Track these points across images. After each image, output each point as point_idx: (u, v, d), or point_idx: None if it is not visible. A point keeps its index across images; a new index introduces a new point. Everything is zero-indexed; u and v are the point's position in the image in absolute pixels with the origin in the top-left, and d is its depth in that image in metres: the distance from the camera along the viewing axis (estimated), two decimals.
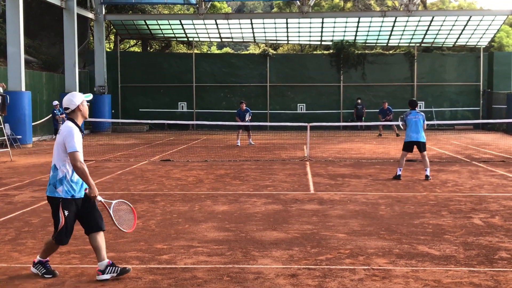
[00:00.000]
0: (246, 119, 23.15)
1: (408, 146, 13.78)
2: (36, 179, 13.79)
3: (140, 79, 34.98)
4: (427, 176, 13.38)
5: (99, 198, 6.09)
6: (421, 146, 13.60)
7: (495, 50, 37.38)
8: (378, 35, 36.25)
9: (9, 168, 16.06)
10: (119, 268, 6.12)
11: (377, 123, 27.46)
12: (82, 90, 30.19)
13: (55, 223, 6.12)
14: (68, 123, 6.05)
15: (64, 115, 21.93)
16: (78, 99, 6.13)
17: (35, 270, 6.23)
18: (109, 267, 6.08)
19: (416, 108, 13.89)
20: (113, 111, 33.98)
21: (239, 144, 22.85)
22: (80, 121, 6.14)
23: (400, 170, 13.57)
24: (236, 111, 24.29)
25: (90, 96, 6.36)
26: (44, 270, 6.20)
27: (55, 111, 22.40)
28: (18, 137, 22.55)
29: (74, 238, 7.82)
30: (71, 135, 5.92)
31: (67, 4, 28.01)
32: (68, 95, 6.18)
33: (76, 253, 7.11)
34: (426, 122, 13.75)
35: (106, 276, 6.04)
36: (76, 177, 6.00)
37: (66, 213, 6.01)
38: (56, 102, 23.24)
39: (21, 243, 7.63)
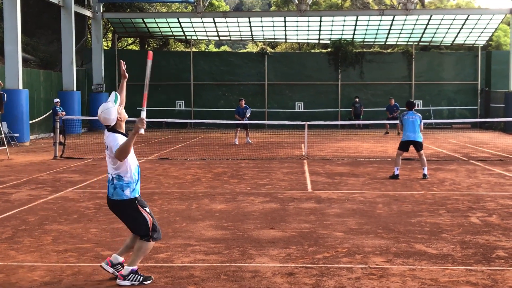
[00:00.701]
0: (247, 115, 23.14)
1: (404, 145, 13.79)
2: (33, 177, 13.77)
3: (138, 77, 34.56)
4: (424, 175, 13.39)
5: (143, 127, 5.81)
6: (418, 146, 13.61)
7: (493, 49, 37.40)
8: (376, 34, 36.23)
9: (6, 166, 16.03)
10: (142, 277, 5.96)
11: (383, 121, 27.50)
12: (80, 88, 30.12)
13: (139, 226, 5.96)
14: (111, 134, 5.90)
15: (64, 113, 21.88)
16: (113, 113, 5.92)
17: (128, 282, 5.86)
18: (132, 274, 5.91)
19: (413, 109, 13.90)
20: None
21: (237, 143, 22.83)
22: (123, 128, 6.05)
23: (397, 169, 13.56)
24: (235, 109, 24.27)
25: (118, 99, 6.09)
26: (142, 277, 5.93)
27: (56, 108, 22.35)
28: (16, 135, 22.51)
29: (71, 237, 7.83)
30: (115, 139, 5.80)
31: (64, 2, 27.94)
32: (103, 114, 5.89)
33: (73, 252, 7.09)
34: (423, 123, 13.77)
35: (126, 283, 5.88)
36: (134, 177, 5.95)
37: (146, 209, 6.02)
38: (57, 100, 23.20)
39: (18, 242, 7.61)
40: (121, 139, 5.79)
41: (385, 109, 29.54)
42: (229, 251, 7.10)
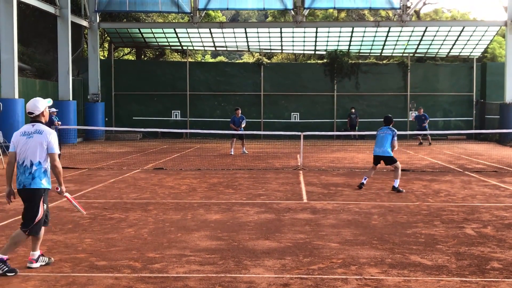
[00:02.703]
0: (242, 125, 23.17)
1: (374, 159, 13.88)
2: None
3: (134, 87, 34.96)
4: (394, 187, 13.16)
5: (66, 194, 6.98)
6: (387, 160, 13.59)
7: (488, 61, 37.58)
8: (372, 45, 36.39)
9: (1, 176, 15.98)
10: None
11: (416, 132, 27.92)
12: (76, 98, 30.13)
13: (31, 215, 6.67)
14: (44, 127, 6.81)
15: (60, 122, 21.87)
16: (42, 105, 6.92)
17: None
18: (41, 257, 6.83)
19: (391, 125, 13.78)
20: (106, 119, 33.90)
21: (232, 153, 22.81)
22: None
23: (364, 179, 13.71)
24: (230, 118, 24.29)
25: (51, 102, 7.21)
26: (7, 268, 6.48)
27: (52, 117, 22.34)
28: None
29: (66, 247, 7.81)
30: (55, 138, 6.75)
31: (61, 12, 27.99)
32: (33, 101, 6.95)
33: (68, 262, 7.07)
34: (396, 140, 13.51)
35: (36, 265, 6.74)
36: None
37: (45, 206, 6.78)
38: (53, 109, 23.18)
39: (12, 251, 7.57)
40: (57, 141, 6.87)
41: (414, 119, 29.98)
42: (224, 261, 7.09)
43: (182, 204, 11.32)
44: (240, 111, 23.61)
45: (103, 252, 7.55)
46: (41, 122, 6.88)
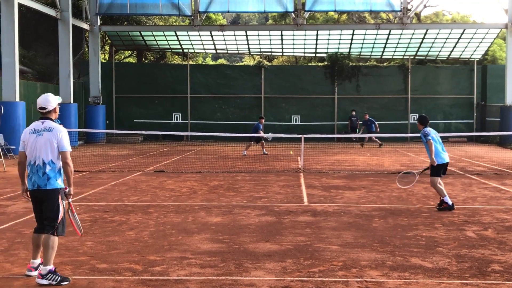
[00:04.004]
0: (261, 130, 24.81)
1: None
2: None
3: (135, 90, 34.98)
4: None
5: (70, 201, 6.71)
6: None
7: (488, 63, 37.57)
8: (373, 48, 36.40)
9: (2, 179, 16.00)
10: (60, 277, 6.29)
11: (379, 134, 28.04)
12: (76, 100, 30.15)
13: (54, 214, 6.40)
14: (55, 124, 6.60)
15: (61, 125, 21.88)
16: (54, 100, 6.69)
17: (46, 281, 6.17)
18: (51, 274, 6.25)
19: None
20: (107, 121, 33.92)
21: (245, 154, 23.52)
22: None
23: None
24: (254, 125, 25.16)
25: (60, 99, 6.96)
26: (60, 278, 6.24)
27: (54, 120, 22.49)
28: (12, 147, 22.46)
29: (67, 249, 7.81)
30: (66, 135, 6.52)
31: (62, 15, 28.04)
32: (45, 96, 6.68)
33: (69, 264, 7.08)
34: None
35: (44, 282, 6.22)
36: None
37: (64, 203, 6.52)
38: None
39: (13, 254, 7.60)
40: (68, 138, 6.61)
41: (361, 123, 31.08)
42: (224, 264, 7.09)
43: (183, 207, 11.33)
44: (264, 120, 25.74)
45: (104, 255, 7.55)
46: (51, 119, 6.64)
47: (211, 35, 35.19)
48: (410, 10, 32.48)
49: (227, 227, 9.32)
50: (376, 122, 29.49)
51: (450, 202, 10.98)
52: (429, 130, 11.63)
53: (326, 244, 8.19)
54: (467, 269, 6.89)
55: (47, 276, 6.16)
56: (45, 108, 6.63)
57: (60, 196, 6.46)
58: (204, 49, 38.44)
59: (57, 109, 6.75)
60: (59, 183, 6.47)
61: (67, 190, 6.56)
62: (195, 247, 7.99)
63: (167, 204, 11.66)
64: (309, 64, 39.72)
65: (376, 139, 28.81)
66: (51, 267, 6.27)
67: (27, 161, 6.53)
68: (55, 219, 6.42)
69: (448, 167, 11.79)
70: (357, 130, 32.42)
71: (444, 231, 9.09)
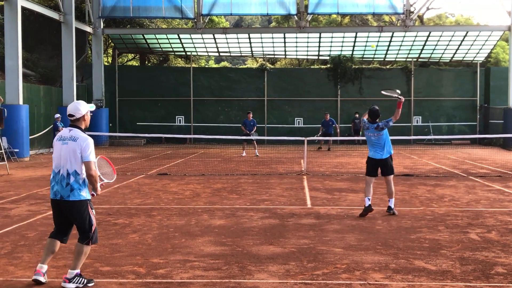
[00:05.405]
0: (253, 130, 23.83)
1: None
2: (33, 192, 13.76)
3: (138, 92, 35.04)
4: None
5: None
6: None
7: (491, 66, 37.53)
8: (375, 50, 36.38)
9: (5, 182, 16.03)
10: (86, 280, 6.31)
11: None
12: None
13: (87, 226, 6.28)
14: (81, 133, 6.34)
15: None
16: (84, 108, 6.44)
17: (73, 284, 6.19)
18: (77, 277, 6.25)
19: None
20: (110, 124, 33.96)
21: (244, 155, 23.55)
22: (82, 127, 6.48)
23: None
24: (235, 124, 24.79)
25: (93, 107, 6.68)
26: (85, 280, 6.29)
27: (57, 123, 22.47)
28: (15, 150, 22.51)
29: (70, 252, 7.80)
30: (90, 145, 6.28)
31: (65, 18, 28.09)
32: (75, 103, 6.46)
33: None
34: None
35: (72, 285, 6.20)
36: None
37: (94, 211, 6.41)
38: (58, 115, 23.27)
39: (17, 257, 7.61)
40: (93, 148, 6.33)
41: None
42: (228, 267, 7.09)
43: (186, 210, 11.33)
44: (251, 115, 24.47)
45: (107, 257, 7.56)
46: (80, 128, 6.38)
47: (214, 38, 35.24)
48: (412, 12, 32.43)
49: (230, 230, 9.32)
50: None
51: (367, 204, 10.65)
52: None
53: (329, 246, 8.18)
54: (471, 272, 6.88)
55: (74, 280, 6.17)
56: (73, 116, 6.38)
57: (89, 206, 6.29)
58: (207, 52, 38.47)
59: (87, 117, 6.49)
60: (84, 194, 6.25)
61: (94, 195, 6.39)
62: (198, 249, 7.99)
63: (170, 207, 11.66)
64: (312, 66, 39.74)
65: None
66: (77, 271, 6.24)
67: (52, 168, 6.37)
68: (89, 230, 6.28)
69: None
70: (360, 132, 32.38)
71: (447, 233, 9.08)
